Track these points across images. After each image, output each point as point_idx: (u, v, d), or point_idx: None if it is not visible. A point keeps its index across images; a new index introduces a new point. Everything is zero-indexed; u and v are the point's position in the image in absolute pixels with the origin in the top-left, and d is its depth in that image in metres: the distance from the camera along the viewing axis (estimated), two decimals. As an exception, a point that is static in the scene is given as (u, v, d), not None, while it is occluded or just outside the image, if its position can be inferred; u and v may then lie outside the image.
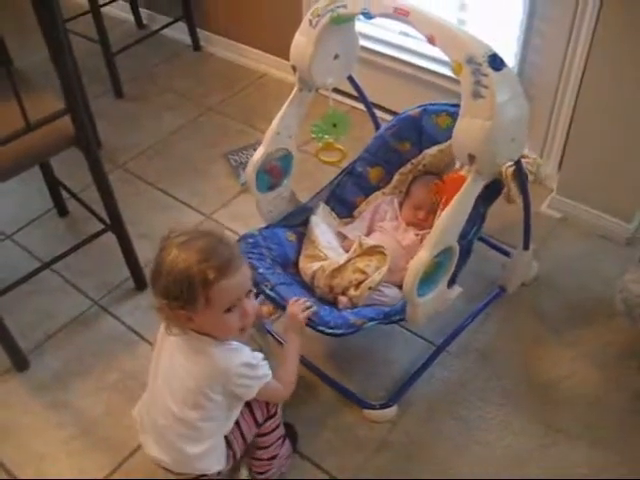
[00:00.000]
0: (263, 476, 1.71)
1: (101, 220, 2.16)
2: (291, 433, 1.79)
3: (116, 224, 2.11)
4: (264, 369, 1.52)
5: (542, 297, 2.17)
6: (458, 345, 2.04)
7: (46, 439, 1.89)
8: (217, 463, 1.55)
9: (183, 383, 1.48)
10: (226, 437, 1.56)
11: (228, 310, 1.44)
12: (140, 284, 2.24)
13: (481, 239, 2.14)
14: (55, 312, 2.19)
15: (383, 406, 1.88)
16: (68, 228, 2.49)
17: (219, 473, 1.56)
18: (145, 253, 2.27)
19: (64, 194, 2.46)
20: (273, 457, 1.69)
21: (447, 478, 1.77)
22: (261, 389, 1.51)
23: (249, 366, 1.49)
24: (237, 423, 1.57)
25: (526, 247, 2.07)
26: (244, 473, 1.62)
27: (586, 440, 1.82)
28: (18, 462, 1.84)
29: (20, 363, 2.04)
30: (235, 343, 1.49)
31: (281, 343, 1.74)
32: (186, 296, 1.40)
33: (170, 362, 1.52)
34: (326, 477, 1.77)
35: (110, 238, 2.14)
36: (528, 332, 2.08)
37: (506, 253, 2.22)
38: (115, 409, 1.94)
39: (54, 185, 2.44)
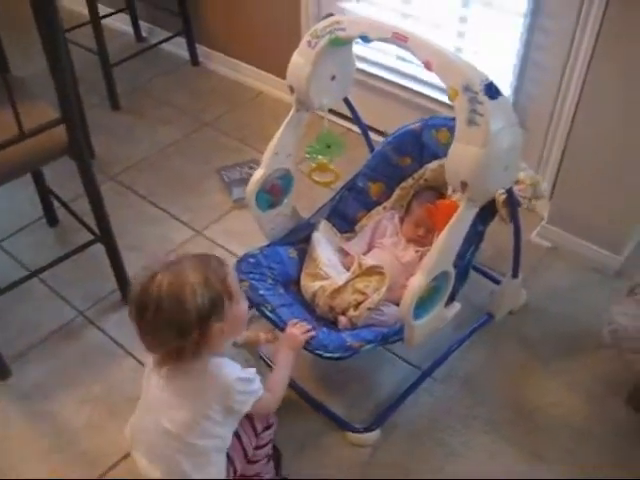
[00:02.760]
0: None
1: (90, 231, 2.15)
2: (276, 456, 1.78)
3: (105, 235, 2.10)
4: (257, 383, 1.53)
5: (530, 325, 2.17)
6: (444, 371, 2.03)
7: (25, 450, 1.87)
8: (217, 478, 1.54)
9: (181, 406, 1.47)
10: (227, 453, 1.55)
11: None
12: (127, 296, 2.21)
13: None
14: (40, 322, 2.18)
15: (366, 429, 1.87)
16: (57, 237, 2.48)
17: None
18: (133, 265, 2.27)
19: (55, 203, 2.46)
20: (255, 474, 1.67)
21: (442, 478, 1.76)
22: (254, 402, 1.51)
23: (245, 381, 1.50)
24: (238, 436, 1.56)
25: (515, 275, 2.07)
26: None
27: (569, 469, 1.81)
28: (-5, 473, 1.82)
29: (1, 372, 2.02)
30: (227, 359, 1.49)
31: (271, 367, 1.74)
32: (217, 302, 1.41)
33: (163, 387, 1.49)
34: (306, 499, 1.76)
35: (99, 249, 2.13)
36: (514, 360, 2.08)
37: (495, 280, 2.22)
38: (97, 422, 1.92)
39: (45, 194, 2.43)
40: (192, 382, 1.47)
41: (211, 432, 1.49)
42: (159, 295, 1.37)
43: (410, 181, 2.12)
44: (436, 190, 2.05)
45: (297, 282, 1.97)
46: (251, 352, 1.87)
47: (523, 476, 1.80)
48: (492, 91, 1.50)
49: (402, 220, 2.10)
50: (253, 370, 1.54)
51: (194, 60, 3.35)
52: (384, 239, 2.07)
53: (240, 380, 1.49)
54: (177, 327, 1.39)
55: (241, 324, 1.55)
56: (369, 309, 1.82)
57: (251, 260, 1.92)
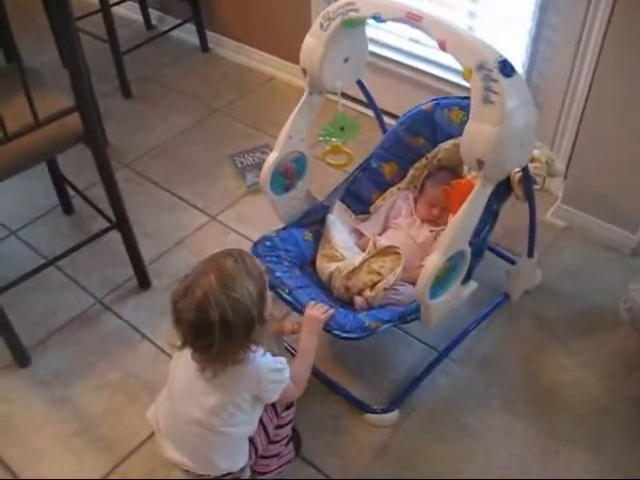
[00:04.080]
0: (263, 477, 1.71)
1: (106, 218, 2.16)
2: (295, 437, 1.79)
3: (121, 222, 2.11)
4: (287, 372, 1.54)
5: (546, 305, 2.17)
6: (461, 351, 2.04)
7: (46, 435, 1.89)
8: (241, 460, 1.56)
9: (213, 393, 1.47)
10: None
11: None
12: (143, 283, 2.24)
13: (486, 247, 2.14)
14: (58, 309, 2.20)
15: (385, 411, 1.88)
16: (73, 226, 2.50)
17: (242, 469, 1.57)
18: (149, 252, 2.29)
19: (70, 192, 2.47)
20: (275, 455, 1.69)
21: (447, 478, 1.77)
22: (282, 392, 1.54)
23: (277, 371, 1.52)
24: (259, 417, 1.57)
25: (530, 255, 2.07)
26: (247, 473, 1.62)
27: (588, 448, 1.82)
28: (17, 458, 1.84)
29: (22, 359, 2.04)
30: (260, 348, 1.49)
31: (294, 355, 1.75)
32: (262, 292, 1.42)
33: (196, 375, 1.49)
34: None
35: (115, 236, 2.15)
36: (531, 339, 2.08)
37: (511, 261, 2.22)
38: (116, 408, 1.94)
39: (60, 182, 2.44)
40: (228, 371, 1.46)
41: (239, 420, 1.51)
42: (222, 309, 1.35)
43: (424, 161, 2.11)
44: (450, 170, 2.05)
45: (313, 264, 1.98)
46: (277, 342, 1.88)
47: (542, 456, 1.81)
48: (507, 69, 1.49)
49: (416, 200, 2.10)
50: (284, 360, 1.55)
51: (204, 47, 3.35)
52: (399, 219, 2.07)
53: (273, 370, 1.51)
54: (245, 329, 1.39)
55: (271, 309, 1.54)
56: (385, 289, 1.83)
57: (267, 243, 1.93)
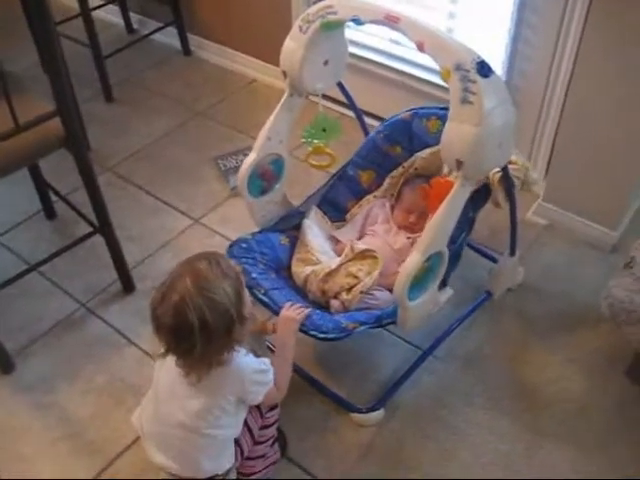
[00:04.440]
0: (249, 478, 1.71)
1: (89, 223, 2.16)
2: (281, 438, 1.80)
3: (104, 227, 2.11)
4: (272, 373, 1.55)
5: (528, 302, 2.19)
6: (444, 350, 2.05)
7: (32, 441, 1.88)
8: (227, 462, 1.56)
9: (197, 397, 1.48)
10: None
11: None
12: (128, 287, 2.24)
13: (468, 245, 2.15)
14: (42, 315, 2.19)
15: (370, 410, 1.89)
16: (56, 231, 2.49)
17: (228, 471, 1.57)
18: (133, 256, 2.29)
19: (52, 197, 2.46)
20: (261, 456, 1.69)
21: (440, 479, 1.78)
22: (266, 393, 1.54)
23: (261, 372, 1.53)
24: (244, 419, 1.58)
25: (512, 253, 2.09)
26: (233, 474, 1.62)
27: (571, 445, 1.84)
28: (3, 463, 1.83)
29: (6, 366, 2.03)
30: (242, 349, 1.50)
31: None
32: (240, 291, 1.43)
33: (179, 379, 1.49)
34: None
35: (98, 241, 2.14)
36: (514, 337, 2.10)
37: (493, 259, 2.24)
38: (102, 411, 1.94)
39: (42, 187, 2.43)
40: (212, 374, 1.46)
41: (225, 422, 1.51)
42: (200, 311, 1.36)
43: (400, 170, 2.13)
44: (426, 178, 2.06)
45: (288, 268, 1.98)
46: (258, 342, 1.88)
47: (526, 452, 1.82)
48: (484, 69, 1.51)
49: (393, 208, 2.11)
50: (268, 361, 1.56)
51: (186, 50, 3.35)
52: (375, 226, 2.08)
53: (257, 371, 1.51)
54: (225, 329, 1.39)
55: (251, 308, 1.54)
56: (362, 292, 1.83)
57: (243, 245, 1.93)
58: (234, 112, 3.00)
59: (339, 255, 1.96)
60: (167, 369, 1.52)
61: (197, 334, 1.36)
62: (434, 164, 2.05)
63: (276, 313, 1.75)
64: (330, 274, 1.88)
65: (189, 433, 1.50)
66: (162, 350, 1.46)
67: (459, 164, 1.56)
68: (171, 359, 1.48)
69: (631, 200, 2.30)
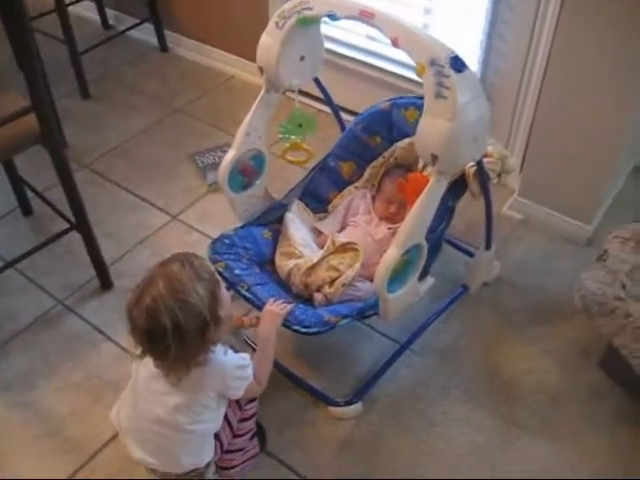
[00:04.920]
0: (227, 472, 1.72)
1: (66, 219, 2.15)
2: (260, 432, 1.81)
3: (81, 223, 2.10)
4: (251, 368, 1.56)
5: (504, 296, 2.21)
6: (421, 343, 2.07)
7: (10, 439, 1.87)
8: (207, 456, 1.56)
9: (176, 393, 1.48)
10: None
11: None
12: (105, 284, 2.24)
13: (445, 239, 2.17)
14: (19, 312, 2.18)
15: (348, 403, 1.91)
16: (32, 227, 2.48)
17: (208, 464, 1.58)
18: (110, 253, 2.28)
19: (29, 193, 2.45)
20: (240, 449, 1.70)
21: (425, 479, 1.79)
22: (246, 388, 1.55)
23: (241, 367, 1.53)
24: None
25: (488, 247, 2.11)
26: (212, 468, 1.63)
27: (546, 435, 1.86)
28: (-19, 462, 1.83)
29: (-17, 363, 2.02)
30: (220, 346, 1.50)
31: (255, 349, 1.76)
32: (215, 291, 1.43)
33: (157, 375, 1.50)
34: (291, 475, 1.79)
35: (75, 238, 2.14)
36: (490, 330, 2.12)
37: (469, 253, 2.26)
38: (80, 408, 1.93)
39: (18, 184, 2.42)
40: (191, 374, 1.46)
41: (206, 417, 1.52)
42: (172, 313, 1.36)
43: (380, 160, 2.14)
44: (406, 168, 2.08)
45: (272, 262, 2.00)
46: (236, 337, 1.89)
47: (502, 444, 1.85)
48: (458, 64, 1.52)
49: (374, 198, 2.13)
50: (247, 356, 1.57)
51: (163, 46, 3.34)
52: (357, 217, 2.09)
53: (237, 367, 1.52)
54: (199, 331, 1.39)
55: (229, 308, 1.55)
56: (344, 285, 1.85)
57: (226, 241, 1.94)
58: (212, 109, 3.00)
59: (321, 247, 1.98)
60: (145, 365, 1.52)
61: (170, 336, 1.36)
62: (413, 153, 2.05)
63: (260, 309, 1.76)
64: (312, 268, 1.89)
65: (167, 429, 1.50)
66: (138, 352, 1.46)
67: (434, 158, 1.58)
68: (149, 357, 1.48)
69: (605, 194, 2.33)
